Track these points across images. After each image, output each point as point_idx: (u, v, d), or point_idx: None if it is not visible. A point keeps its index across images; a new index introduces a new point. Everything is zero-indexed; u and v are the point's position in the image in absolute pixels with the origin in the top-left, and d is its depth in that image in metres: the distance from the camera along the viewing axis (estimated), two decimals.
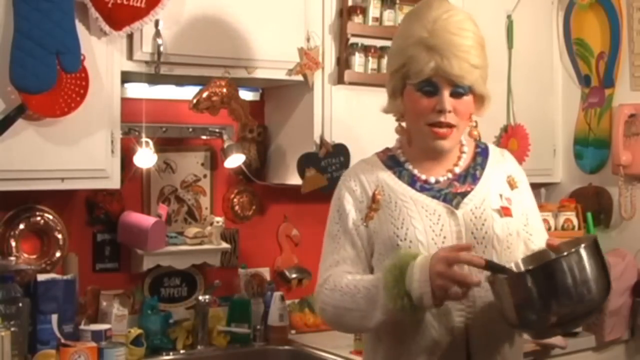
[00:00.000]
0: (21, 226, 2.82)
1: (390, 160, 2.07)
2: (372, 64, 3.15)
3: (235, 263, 3.27)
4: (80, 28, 2.53)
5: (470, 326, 1.93)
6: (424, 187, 2.01)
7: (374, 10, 3.15)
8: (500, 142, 3.56)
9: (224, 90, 2.87)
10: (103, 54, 2.64)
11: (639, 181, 3.51)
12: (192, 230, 3.10)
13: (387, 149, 2.12)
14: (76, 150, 2.60)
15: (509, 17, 3.59)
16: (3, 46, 2.41)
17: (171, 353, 2.96)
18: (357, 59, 3.10)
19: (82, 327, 2.73)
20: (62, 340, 2.62)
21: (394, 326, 1.92)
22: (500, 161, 2.11)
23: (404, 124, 2.07)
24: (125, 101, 2.77)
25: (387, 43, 3.22)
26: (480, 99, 2.01)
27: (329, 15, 3.09)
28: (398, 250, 1.90)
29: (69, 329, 2.69)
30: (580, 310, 1.78)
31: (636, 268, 3.41)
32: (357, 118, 3.12)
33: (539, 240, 2.07)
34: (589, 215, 3.46)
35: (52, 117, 2.53)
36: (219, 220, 3.11)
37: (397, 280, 1.79)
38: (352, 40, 3.10)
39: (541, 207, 3.40)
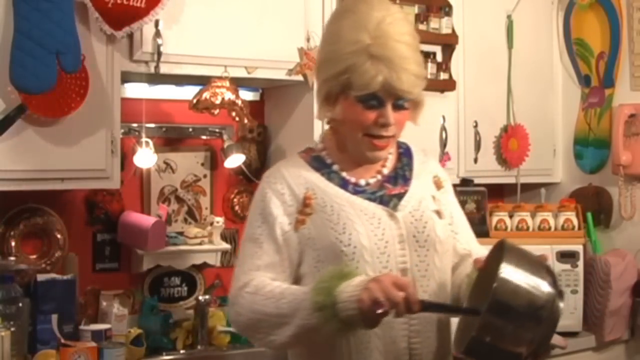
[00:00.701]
0: (21, 226, 2.82)
1: (316, 161, 1.98)
2: None
3: (235, 263, 3.27)
4: (80, 28, 2.52)
5: (413, 336, 1.87)
6: (357, 190, 1.93)
7: None
8: (501, 142, 3.57)
9: (224, 90, 2.87)
10: (103, 54, 2.63)
11: (639, 181, 3.51)
12: (192, 230, 3.10)
13: (310, 149, 2.03)
14: (76, 150, 2.60)
15: (509, 17, 3.59)
16: (3, 46, 2.41)
17: (171, 353, 2.96)
18: None
19: (82, 327, 2.72)
20: (62, 340, 2.61)
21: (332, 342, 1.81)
22: (424, 161, 2.07)
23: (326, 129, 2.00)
24: (125, 101, 2.76)
25: None
26: (414, 105, 1.95)
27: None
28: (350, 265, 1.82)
29: (69, 329, 2.68)
30: (546, 317, 1.69)
31: (636, 268, 3.41)
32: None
33: (464, 239, 2.05)
34: (589, 215, 3.46)
35: (52, 117, 2.52)
36: (219, 220, 3.11)
37: (332, 278, 1.72)
38: None
39: (541, 208, 3.44)
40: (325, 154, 2.00)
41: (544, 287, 1.70)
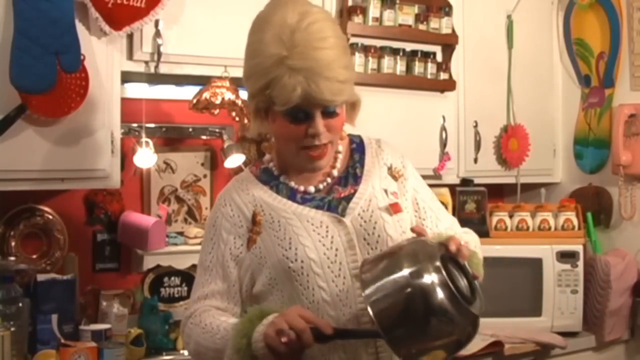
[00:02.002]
0: (21, 226, 2.82)
1: (265, 174, 1.93)
2: (372, 64, 3.15)
3: None
4: (80, 28, 2.53)
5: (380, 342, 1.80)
6: (306, 199, 1.88)
7: (374, 10, 3.15)
8: (501, 142, 3.57)
9: (224, 90, 2.87)
10: (103, 54, 2.64)
11: (639, 181, 3.51)
12: (192, 230, 3.10)
13: (260, 162, 1.98)
14: (76, 150, 2.60)
15: (509, 17, 3.59)
16: (3, 46, 2.41)
17: (171, 353, 2.96)
18: (357, 59, 3.10)
19: (82, 327, 2.72)
20: (62, 340, 2.61)
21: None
22: (377, 153, 1.98)
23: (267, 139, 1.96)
24: (125, 101, 2.76)
25: (387, 43, 3.24)
26: (350, 106, 1.90)
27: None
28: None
29: (69, 329, 2.69)
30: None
31: (636, 268, 3.41)
32: (357, 118, 3.11)
33: (432, 224, 1.96)
34: (589, 215, 3.46)
35: (52, 117, 2.52)
36: None
37: (251, 319, 1.71)
38: (352, 40, 3.10)
39: (541, 208, 3.44)
40: (273, 165, 1.95)
41: (411, 280, 1.62)
